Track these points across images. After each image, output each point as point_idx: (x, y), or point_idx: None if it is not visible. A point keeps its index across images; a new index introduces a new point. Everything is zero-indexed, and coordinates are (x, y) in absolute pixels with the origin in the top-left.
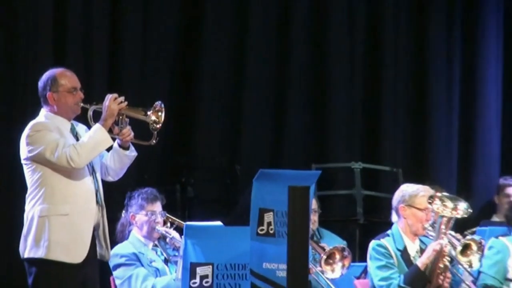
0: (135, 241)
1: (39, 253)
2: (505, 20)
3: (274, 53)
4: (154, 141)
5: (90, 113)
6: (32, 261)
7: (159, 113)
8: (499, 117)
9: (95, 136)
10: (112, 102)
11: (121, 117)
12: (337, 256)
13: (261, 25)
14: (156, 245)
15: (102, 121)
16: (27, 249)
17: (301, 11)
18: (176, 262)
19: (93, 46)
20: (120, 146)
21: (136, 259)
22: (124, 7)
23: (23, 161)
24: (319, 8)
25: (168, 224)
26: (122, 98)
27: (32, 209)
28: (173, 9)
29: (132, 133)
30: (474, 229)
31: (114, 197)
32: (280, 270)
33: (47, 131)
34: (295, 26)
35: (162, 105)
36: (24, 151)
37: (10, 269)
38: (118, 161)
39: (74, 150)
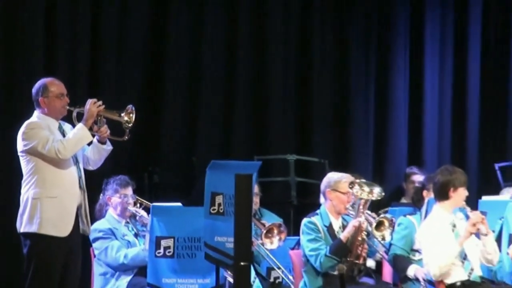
0: (110, 218)
1: (33, 228)
2: (410, 41)
3: (224, 65)
4: (126, 137)
5: (74, 114)
6: (27, 235)
7: (131, 115)
8: (406, 119)
9: (78, 133)
10: (92, 105)
11: (99, 118)
12: (275, 231)
13: (213, 38)
14: (128, 222)
15: (84, 121)
16: (23, 225)
17: (246, 27)
18: (144, 236)
19: (77, 58)
20: (98, 141)
21: (111, 233)
22: (102, 29)
23: (19, 153)
24: (261, 24)
25: (138, 205)
26: (100, 102)
27: (27, 192)
28: (143, 28)
29: (108, 131)
30: (386, 209)
31: (94, 183)
32: (229, 242)
33: (40, 129)
34: (241, 39)
35: (133, 108)
36: (20, 145)
37: (9, 241)
38: (97, 153)
39: (61, 144)
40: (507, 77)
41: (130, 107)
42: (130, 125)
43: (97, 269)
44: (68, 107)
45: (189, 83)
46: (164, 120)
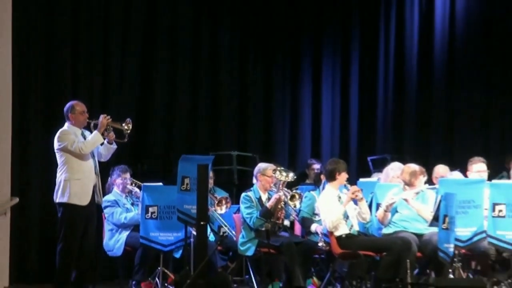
0: (115, 193)
1: (64, 199)
2: (313, 75)
3: (187, 79)
4: (126, 140)
5: (92, 125)
6: (60, 204)
7: (129, 125)
8: (310, 128)
9: (94, 137)
10: (103, 119)
11: (108, 127)
12: (223, 202)
13: (169, 54)
14: (127, 196)
15: (98, 129)
16: (58, 197)
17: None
18: (137, 205)
19: (93, 87)
20: (108, 142)
21: (116, 203)
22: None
23: (55, 150)
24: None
25: (133, 184)
26: (108, 117)
27: (60, 176)
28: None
29: (114, 135)
30: (297, 187)
31: (105, 170)
32: (193, 209)
33: (69, 134)
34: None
35: (130, 120)
36: (56, 145)
37: (50, 207)
38: (106, 150)
39: (82, 145)
40: (375, 99)
41: (128, 119)
42: (128, 131)
43: (107, 226)
44: (88, 120)
45: (165, 98)
46: (150, 128)
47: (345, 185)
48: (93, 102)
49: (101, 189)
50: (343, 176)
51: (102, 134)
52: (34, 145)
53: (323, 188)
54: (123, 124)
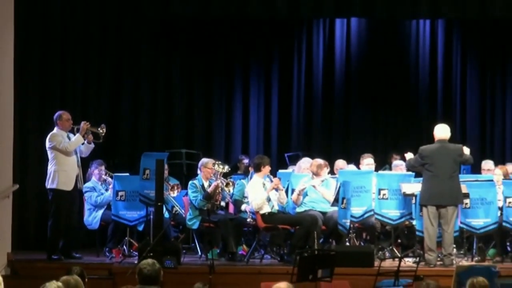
0: (93, 181)
1: (53, 186)
2: (244, 87)
3: (149, 94)
4: (101, 141)
5: (75, 129)
6: (50, 189)
7: (103, 129)
8: (241, 129)
9: (76, 139)
10: (84, 124)
11: (87, 130)
12: (175, 187)
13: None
14: (102, 183)
15: (79, 132)
16: (49, 184)
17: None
18: (110, 190)
19: (75, 100)
20: (87, 142)
21: (93, 189)
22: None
23: (47, 148)
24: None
25: (107, 175)
26: (88, 122)
27: (50, 168)
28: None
29: (92, 137)
30: (231, 177)
31: (85, 164)
32: (152, 193)
33: (57, 136)
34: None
35: (105, 125)
36: (47, 144)
37: (44, 194)
38: (86, 149)
39: (68, 144)
40: (290, 110)
41: (103, 125)
42: (103, 134)
43: (86, 206)
44: (72, 126)
45: (132, 110)
46: (119, 131)
47: (268, 175)
48: (76, 109)
49: (82, 177)
50: (266, 169)
51: (83, 136)
52: (31, 142)
53: (251, 177)
54: (99, 129)
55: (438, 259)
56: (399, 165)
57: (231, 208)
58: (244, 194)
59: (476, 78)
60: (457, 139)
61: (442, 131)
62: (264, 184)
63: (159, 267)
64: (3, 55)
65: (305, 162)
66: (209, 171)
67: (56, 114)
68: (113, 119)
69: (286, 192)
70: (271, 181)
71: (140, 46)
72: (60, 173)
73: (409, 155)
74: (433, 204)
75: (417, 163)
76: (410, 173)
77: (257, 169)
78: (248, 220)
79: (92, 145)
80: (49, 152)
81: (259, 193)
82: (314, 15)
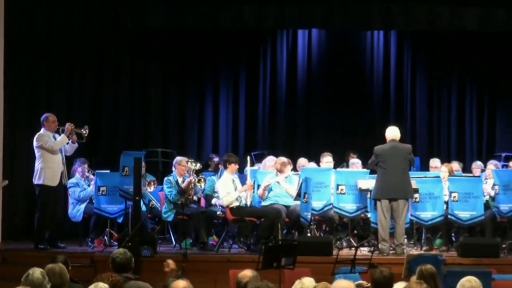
0: (77, 178)
1: (40, 181)
2: (215, 93)
3: (127, 98)
4: (84, 141)
5: (60, 130)
6: (37, 185)
7: (86, 130)
8: (211, 130)
9: (61, 139)
10: (68, 125)
11: (72, 131)
12: (152, 183)
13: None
14: (85, 179)
15: (64, 133)
16: (36, 180)
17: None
18: (92, 185)
19: (60, 103)
20: (71, 142)
21: (77, 185)
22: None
23: (34, 147)
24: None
25: (89, 172)
26: (72, 124)
27: (37, 165)
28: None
29: (76, 137)
30: (202, 173)
31: (69, 161)
32: (131, 188)
33: (44, 137)
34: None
35: (87, 127)
36: (35, 143)
37: (32, 189)
38: (70, 148)
39: (53, 144)
40: (256, 113)
41: (86, 126)
42: (86, 134)
43: (70, 200)
44: (57, 127)
45: (113, 113)
46: (101, 132)
47: (236, 172)
48: (61, 111)
49: (66, 174)
50: (233, 166)
51: (68, 137)
52: (20, 141)
53: (221, 174)
54: (83, 130)
55: (391, 248)
56: (355, 163)
57: (203, 202)
58: (214, 189)
59: (424, 85)
60: (407, 140)
61: (393, 132)
62: (233, 181)
63: (130, 255)
64: None
65: (270, 160)
66: (183, 168)
67: (43, 116)
68: (95, 120)
69: (253, 187)
70: (239, 177)
71: (120, 54)
72: (46, 170)
73: None
74: (386, 198)
75: (373, 163)
76: (365, 170)
77: (225, 166)
78: (218, 213)
79: (76, 145)
80: (36, 151)
81: (230, 190)
82: (278, 26)
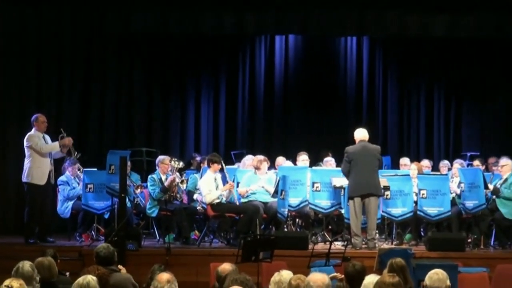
0: (67, 176)
1: (29, 180)
2: (197, 97)
3: (114, 104)
4: (71, 158)
5: (60, 136)
6: (25, 183)
7: (79, 155)
8: (193, 131)
9: (53, 145)
10: (68, 140)
11: (66, 145)
12: (139, 187)
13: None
14: (74, 178)
15: (59, 142)
16: (24, 178)
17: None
18: (81, 184)
19: (49, 104)
20: (60, 151)
21: (66, 183)
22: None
23: (25, 147)
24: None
25: (80, 169)
26: (72, 140)
27: (26, 164)
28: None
29: (65, 150)
30: (185, 171)
31: (60, 163)
32: (117, 186)
33: (34, 137)
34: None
35: (79, 153)
36: (25, 143)
37: (21, 187)
38: (57, 154)
39: (44, 146)
40: (236, 115)
41: (78, 153)
42: (76, 157)
43: (59, 197)
44: (61, 132)
45: (100, 116)
46: (89, 134)
47: (221, 170)
48: (50, 112)
49: (53, 174)
50: (215, 166)
51: (61, 146)
52: (11, 140)
53: (202, 172)
54: (76, 152)
55: (363, 242)
56: (329, 161)
57: (185, 199)
58: (196, 186)
59: (395, 88)
60: (379, 140)
61: (362, 133)
62: (215, 179)
63: (113, 250)
64: None
65: (249, 159)
66: (166, 167)
67: (33, 116)
68: (83, 121)
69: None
70: (222, 175)
71: (106, 58)
72: (34, 170)
73: None
74: (359, 195)
75: (346, 167)
76: (339, 168)
77: (208, 165)
78: (198, 208)
79: (63, 154)
80: (26, 150)
81: (212, 188)
82: (257, 32)
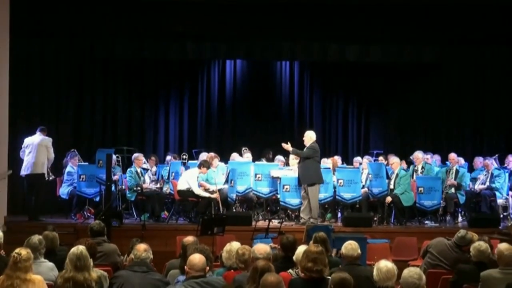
0: (71, 167)
1: (28, 172)
2: (166, 105)
3: (100, 111)
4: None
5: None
6: (27, 175)
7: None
8: (163, 134)
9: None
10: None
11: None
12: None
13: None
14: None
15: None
16: (33, 170)
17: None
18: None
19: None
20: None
21: (72, 173)
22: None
23: (47, 147)
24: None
25: (80, 160)
26: None
27: (43, 158)
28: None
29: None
30: (158, 165)
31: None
32: (104, 176)
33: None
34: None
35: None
36: (49, 144)
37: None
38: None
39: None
40: (196, 121)
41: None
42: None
43: (65, 182)
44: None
45: (90, 119)
46: (82, 135)
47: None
48: (51, 118)
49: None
50: (206, 170)
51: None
52: (19, 138)
53: (170, 166)
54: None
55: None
56: (279, 159)
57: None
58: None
59: (319, 102)
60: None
61: (314, 134)
62: (198, 177)
63: (103, 225)
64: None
65: (204, 156)
66: (139, 162)
67: (42, 127)
68: (77, 125)
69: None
70: None
71: (95, 77)
72: (43, 163)
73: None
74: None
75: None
76: (276, 163)
77: (200, 166)
78: (168, 192)
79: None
80: (44, 149)
81: (194, 184)
82: (212, 57)
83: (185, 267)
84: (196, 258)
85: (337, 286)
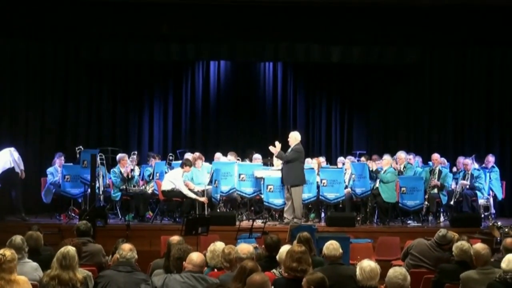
0: (55, 167)
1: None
2: (150, 106)
3: (88, 111)
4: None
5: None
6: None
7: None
8: (147, 135)
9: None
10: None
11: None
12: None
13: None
14: (60, 167)
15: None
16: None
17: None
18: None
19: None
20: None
21: (52, 173)
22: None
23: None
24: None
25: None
26: None
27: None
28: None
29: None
30: (141, 166)
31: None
32: (89, 177)
33: None
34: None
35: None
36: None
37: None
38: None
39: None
40: (180, 122)
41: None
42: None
43: (48, 182)
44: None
45: (75, 120)
46: (67, 136)
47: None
48: (36, 120)
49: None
50: (189, 168)
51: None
52: (3, 142)
53: (155, 166)
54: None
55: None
56: (257, 158)
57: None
58: (149, 176)
59: (302, 102)
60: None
61: (299, 135)
62: (182, 175)
63: (90, 225)
64: None
65: (188, 156)
66: (124, 162)
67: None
68: (62, 127)
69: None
70: None
71: (81, 79)
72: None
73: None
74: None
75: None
76: (260, 163)
77: (182, 165)
78: (150, 192)
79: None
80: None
81: (181, 184)
82: (196, 58)
83: (184, 262)
84: (196, 255)
85: (316, 286)
